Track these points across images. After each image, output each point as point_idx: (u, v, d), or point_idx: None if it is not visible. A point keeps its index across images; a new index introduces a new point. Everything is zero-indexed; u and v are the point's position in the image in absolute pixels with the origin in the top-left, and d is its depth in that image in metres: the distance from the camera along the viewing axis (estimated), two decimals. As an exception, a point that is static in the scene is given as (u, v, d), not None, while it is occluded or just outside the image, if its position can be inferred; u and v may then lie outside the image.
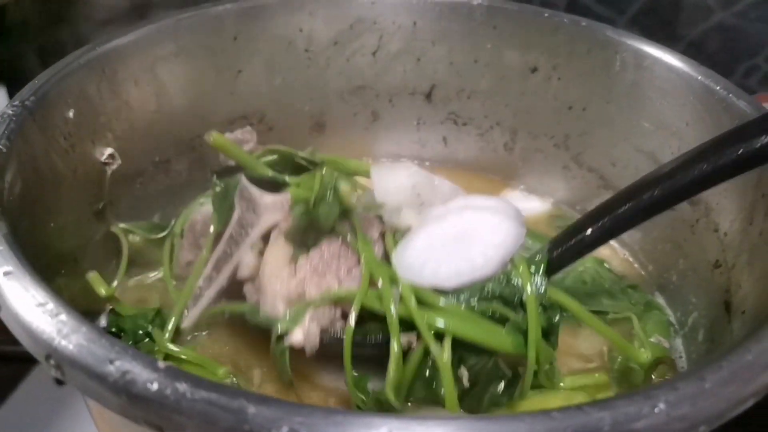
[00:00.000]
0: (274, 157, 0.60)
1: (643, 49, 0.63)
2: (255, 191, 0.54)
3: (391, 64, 0.79)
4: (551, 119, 0.75)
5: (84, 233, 0.56)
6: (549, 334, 0.49)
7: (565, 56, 0.70)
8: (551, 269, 0.50)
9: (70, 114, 0.53)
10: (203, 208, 0.62)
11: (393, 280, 0.48)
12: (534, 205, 0.80)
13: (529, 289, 0.48)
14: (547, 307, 0.49)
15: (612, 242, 0.73)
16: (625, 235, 0.71)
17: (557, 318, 0.49)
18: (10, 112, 0.46)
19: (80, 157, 0.55)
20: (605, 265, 0.69)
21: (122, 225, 0.61)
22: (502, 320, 0.48)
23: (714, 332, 0.54)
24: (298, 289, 0.50)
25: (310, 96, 0.79)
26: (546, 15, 0.70)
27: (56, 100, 0.51)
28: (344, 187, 0.54)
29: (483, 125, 0.81)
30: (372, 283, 0.49)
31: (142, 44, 0.61)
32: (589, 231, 0.49)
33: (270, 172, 0.57)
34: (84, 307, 0.54)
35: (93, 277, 0.55)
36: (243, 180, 0.55)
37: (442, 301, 0.47)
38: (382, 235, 0.54)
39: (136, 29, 0.61)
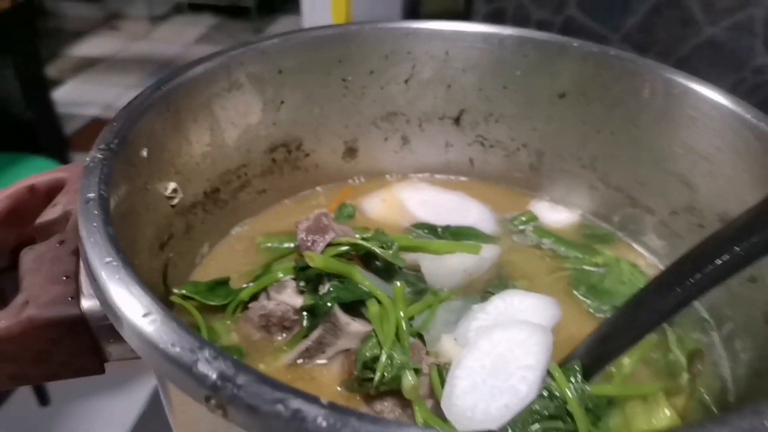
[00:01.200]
0: (346, 248, 0.64)
1: (672, 78, 0.67)
2: (343, 318, 0.59)
3: (422, 91, 0.82)
4: (578, 142, 0.79)
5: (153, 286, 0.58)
6: (597, 423, 0.54)
7: (594, 83, 0.74)
8: (587, 372, 0.54)
9: (144, 153, 0.55)
10: (282, 296, 0.63)
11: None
12: (562, 217, 0.84)
13: (569, 395, 0.52)
14: (594, 405, 0.53)
15: (638, 248, 0.78)
16: (651, 242, 0.76)
17: (602, 410, 0.54)
18: (100, 156, 0.48)
19: (152, 194, 0.57)
20: (639, 268, 0.74)
21: (179, 291, 0.62)
22: None
23: (758, 344, 0.58)
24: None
25: (345, 123, 0.82)
26: (575, 44, 0.74)
27: (133, 141, 0.53)
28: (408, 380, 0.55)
29: (510, 147, 0.85)
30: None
31: (201, 81, 0.63)
32: (616, 338, 0.54)
33: (363, 288, 0.61)
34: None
35: None
36: (336, 309, 0.59)
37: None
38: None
39: (192, 66, 0.63)
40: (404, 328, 0.58)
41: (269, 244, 0.75)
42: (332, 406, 0.30)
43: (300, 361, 0.61)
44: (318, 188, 0.86)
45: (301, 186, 0.84)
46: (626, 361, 0.60)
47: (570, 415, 0.52)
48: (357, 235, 0.68)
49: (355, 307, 0.62)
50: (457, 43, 0.78)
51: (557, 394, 0.53)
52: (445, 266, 0.68)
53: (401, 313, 0.59)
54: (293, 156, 0.80)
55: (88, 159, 0.47)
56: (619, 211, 0.79)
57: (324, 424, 0.29)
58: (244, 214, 0.78)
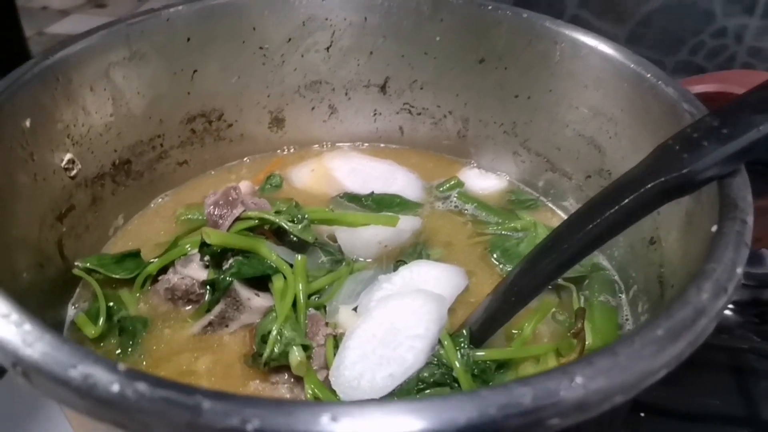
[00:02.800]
0: (255, 222, 0.64)
1: (580, 40, 0.66)
2: (244, 293, 0.59)
3: (344, 58, 0.81)
4: (499, 108, 0.78)
5: (46, 257, 0.58)
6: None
7: (509, 48, 0.73)
8: (476, 341, 0.55)
9: (27, 123, 0.54)
10: (188, 270, 0.62)
11: None
12: (491, 183, 0.83)
13: (457, 363, 0.53)
14: (480, 371, 0.54)
15: (560, 212, 0.78)
16: (571, 206, 0.76)
17: (492, 375, 0.55)
18: (-35, 126, 0.47)
19: (40, 165, 0.57)
20: None
21: (83, 263, 0.62)
22: None
23: (651, 305, 0.58)
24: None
25: (267, 93, 0.81)
26: (489, 8, 0.73)
27: (11, 112, 0.52)
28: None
29: (436, 114, 0.84)
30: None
31: (95, 51, 0.62)
32: (500, 308, 0.54)
33: (268, 263, 0.61)
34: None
35: (80, 319, 0.58)
36: (235, 284, 0.59)
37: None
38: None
39: (87, 36, 0.62)
40: (301, 301, 0.58)
41: (189, 216, 0.75)
42: (129, 373, 0.30)
43: (207, 332, 0.61)
44: (246, 159, 0.85)
45: (227, 157, 0.83)
46: (526, 324, 0.61)
47: (456, 380, 0.53)
48: (272, 209, 0.68)
49: (263, 282, 0.62)
50: (374, 9, 0.77)
51: (445, 361, 0.53)
52: (360, 238, 0.68)
53: (300, 287, 0.59)
54: (215, 126, 0.79)
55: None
56: (541, 177, 0.79)
57: (116, 389, 0.29)
58: (164, 186, 0.77)
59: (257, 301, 0.60)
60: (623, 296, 0.65)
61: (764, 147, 0.44)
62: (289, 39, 0.78)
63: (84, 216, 0.65)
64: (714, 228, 0.41)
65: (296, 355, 0.54)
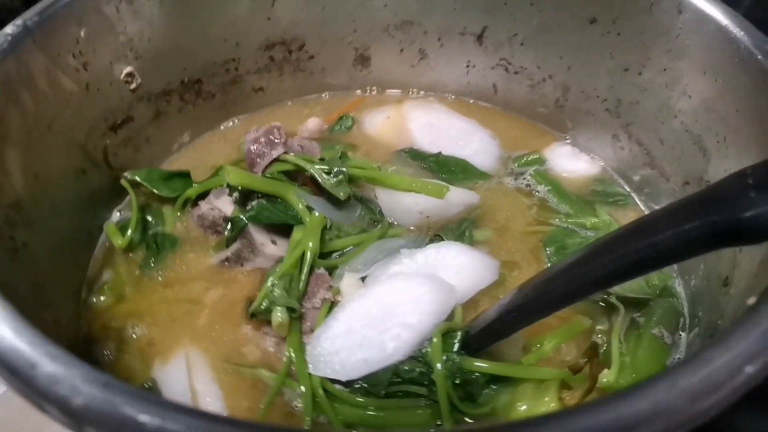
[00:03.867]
0: (290, 167, 0.61)
1: (707, 13, 0.52)
2: (258, 238, 0.58)
3: (440, -1, 0.73)
4: (605, 80, 0.66)
5: (91, 164, 0.60)
6: (472, 399, 0.48)
7: (626, 9, 0.60)
8: (473, 346, 0.49)
9: (82, 33, 0.56)
10: (219, 202, 0.62)
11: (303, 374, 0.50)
12: (581, 166, 0.73)
13: (438, 366, 0.47)
14: (464, 381, 0.48)
15: (646, 212, 0.66)
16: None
17: (478, 387, 0.49)
18: (9, 31, 0.49)
19: (95, 75, 0.58)
20: None
21: (131, 175, 0.64)
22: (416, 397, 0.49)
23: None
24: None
25: (353, 28, 0.76)
26: (611, -43, 0.60)
27: (64, 20, 0.54)
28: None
29: (535, 76, 0.74)
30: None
31: (166, -35, 0.62)
32: (501, 320, 0.47)
33: (292, 212, 0.60)
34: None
35: (110, 228, 0.61)
36: (250, 227, 0.59)
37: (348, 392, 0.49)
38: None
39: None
40: (308, 259, 0.55)
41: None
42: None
43: (224, 266, 0.61)
44: (324, 94, 0.82)
45: (306, 89, 0.81)
46: (548, 340, 0.53)
47: (435, 384, 0.48)
48: (317, 156, 0.65)
49: (289, 229, 0.60)
50: (479, -57, 0.67)
51: (428, 360, 0.48)
52: (401, 203, 0.63)
53: (309, 244, 0.56)
54: (294, 56, 0.77)
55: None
56: (638, 171, 0.66)
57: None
58: (237, 110, 0.77)
59: (271, 248, 0.59)
60: (683, 335, 0.54)
61: None
62: (382, -30, 0.71)
63: (145, 129, 0.67)
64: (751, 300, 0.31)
65: (278, 316, 0.52)
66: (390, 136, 0.77)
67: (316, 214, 0.58)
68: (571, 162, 0.73)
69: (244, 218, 0.58)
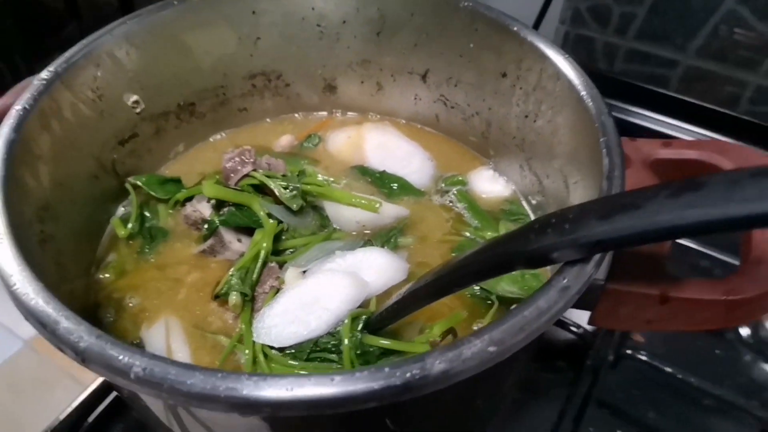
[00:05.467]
0: (256, 181, 0.78)
1: (572, 82, 0.68)
2: (226, 237, 0.76)
3: (391, 46, 0.89)
4: (514, 122, 0.82)
5: (102, 171, 0.78)
6: (368, 365, 0.63)
7: (524, 70, 0.76)
8: (374, 326, 0.66)
9: (99, 73, 0.73)
10: (200, 206, 0.80)
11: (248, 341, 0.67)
12: (497, 188, 0.89)
13: (345, 341, 0.64)
14: (363, 352, 0.64)
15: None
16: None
17: (374, 356, 0.65)
18: (44, 76, 0.67)
19: (108, 103, 0.76)
20: None
21: (134, 180, 0.82)
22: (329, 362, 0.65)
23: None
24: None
25: (322, 63, 0.93)
26: (515, 28, 0.75)
27: (85, 64, 0.71)
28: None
29: (466, 112, 0.90)
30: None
31: (167, 18, 0.78)
32: (397, 305, 0.63)
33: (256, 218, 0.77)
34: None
35: (115, 222, 0.79)
36: (221, 228, 0.76)
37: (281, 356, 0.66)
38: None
39: (161, 8, 0.78)
40: (261, 257, 0.73)
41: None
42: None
43: (203, 255, 0.79)
44: (297, 114, 0.99)
45: (282, 110, 0.98)
46: (437, 326, 0.70)
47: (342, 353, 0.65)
48: (287, 169, 0.82)
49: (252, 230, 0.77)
50: (421, 8, 0.83)
51: (340, 336, 0.65)
52: (342, 214, 0.80)
53: (263, 245, 0.73)
54: (273, 84, 0.94)
55: (36, 78, 0.66)
56: (535, 197, 0.82)
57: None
58: (223, 126, 0.95)
59: (237, 245, 0.76)
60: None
61: (599, 248, 0.48)
62: (344, 21, 0.87)
63: (147, 142, 0.85)
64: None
65: (233, 298, 0.70)
66: (348, 153, 0.94)
67: (272, 221, 0.75)
68: (489, 184, 0.89)
69: (217, 221, 0.76)
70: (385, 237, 0.80)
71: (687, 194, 0.44)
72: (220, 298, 0.72)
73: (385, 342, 0.66)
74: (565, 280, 0.48)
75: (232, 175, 0.79)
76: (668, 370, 0.92)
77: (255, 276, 0.72)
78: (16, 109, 0.63)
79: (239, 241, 0.77)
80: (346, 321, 0.66)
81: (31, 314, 0.47)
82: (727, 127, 1.29)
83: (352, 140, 0.95)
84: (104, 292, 0.75)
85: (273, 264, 0.74)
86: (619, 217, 0.45)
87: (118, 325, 0.71)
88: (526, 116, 0.79)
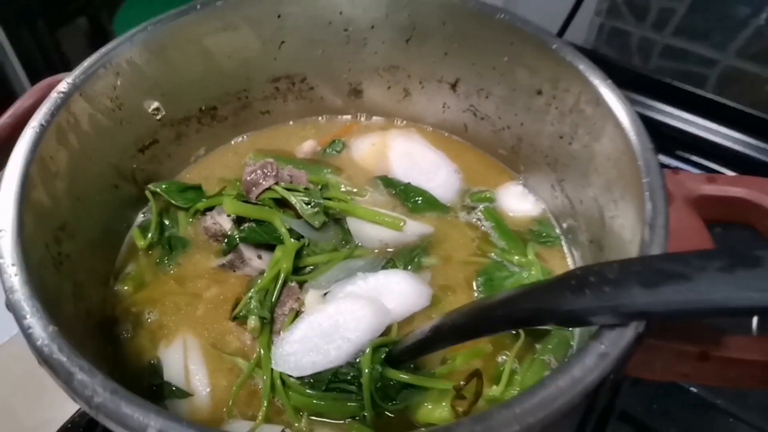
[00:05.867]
0: (278, 195, 0.76)
1: (614, 113, 0.64)
2: (246, 254, 0.74)
3: (421, 53, 0.85)
4: (546, 141, 0.78)
5: (122, 180, 0.76)
6: (390, 398, 0.63)
7: (563, 90, 0.72)
8: (396, 358, 0.64)
9: (118, 82, 0.71)
10: (220, 218, 0.78)
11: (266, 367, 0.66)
12: (526, 207, 0.86)
13: (366, 370, 0.62)
14: (383, 386, 0.63)
15: (569, 259, 0.79)
16: (578, 257, 0.77)
17: (395, 390, 0.64)
18: (62, 89, 0.64)
19: (127, 112, 0.73)
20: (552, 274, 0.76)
21: (153, 187, 0.80)
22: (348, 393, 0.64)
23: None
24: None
25: (348, 67, 0.89)
26: (554, 46, 0.71)
27: (104, 74, 0.68)
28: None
29: (497, 124, 0.86)
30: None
31: (189, 24, 0.75)
32: (422, 344, 0.61)
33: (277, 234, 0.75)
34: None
35: (135, 232, 0.78)
36: (240, 245, 0.75)
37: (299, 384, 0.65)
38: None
39: (184, 13, 0.74)
40: (281, 278, 0.71)
41: (254, 162, 0.89)
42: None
43: (222, 269, 0.77)
44: (321, 118, 0.96)
45: (306, 112, 0.95)
46: (459, 357, 0.68)
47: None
48: (304, 186, 0.79)
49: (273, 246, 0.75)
50: (453, 16, 0.79)
51: (360, 367, 0.64)
52: (365, 231, 0.78)
53: (284, 265, 0.71)
54: (297, 87, 0.90)
55: (53, 92, 0.64)
56: (567, 220, 0.79)
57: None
58: (245, 129, 0.92)
59: (257, 262, 0.75)
60: (567, 364, 0.68)
61: (641, 318, 0.46)
62: (372, 26, 0.83)
63: (167, 147, 0.83)
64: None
65: (251, 323, 0.68)
66: (372, 162, 0.91)
67: (293, 241, 0.73)
68: (518, 202, 0.86)
69: (237, 238, 0.74)
70: (408, 256, 0.77)
71: (741, 271, 0.41)
72: (239, 319, 0.70)
73: (405, 377, 0.64)
74: (603, 346, 0.46)
75: (253, 188, 0.77)
76: (693, 389, 0.90)
77: (274, 298, 0.70)
78: (32, 126, 0.61)
79: (259, 257, 0.75)
80: (367, 351, 0.64)
81: (45, 362, 0.45)
82: (762, 130, 1.23)
83: (377, 148, 0.92)
84: (122, 305, 0.74)
85: (293, 284, 0.72)
86: (665, 289, 0.42)
87: (135, 342, 0.71)
88: (561, 137, 0.75)
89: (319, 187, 0.79)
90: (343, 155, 0.92)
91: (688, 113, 1.33)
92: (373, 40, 0.85)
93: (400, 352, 0.64)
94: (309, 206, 0.75)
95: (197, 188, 0.83)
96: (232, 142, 0.92)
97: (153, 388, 0.66)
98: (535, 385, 0.45)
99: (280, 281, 0.71)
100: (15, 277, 0.50)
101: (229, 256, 0.76)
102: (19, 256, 0.52)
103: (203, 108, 0.85)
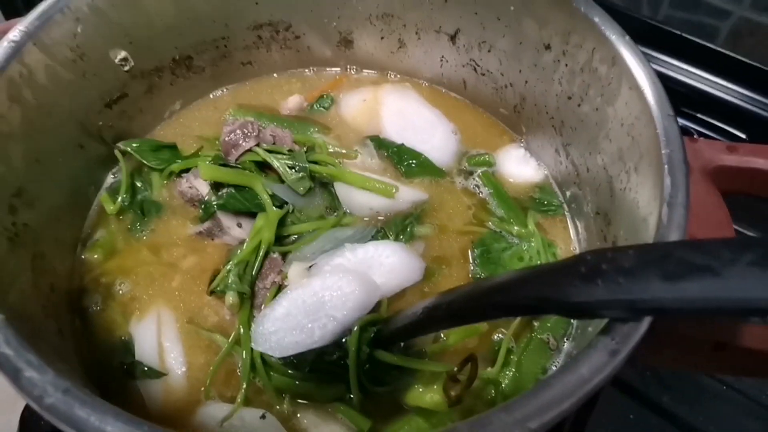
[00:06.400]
0: (258, 158, 0.70)
1: (634, 73, 0.57)
2: (225, 222, 0.69)
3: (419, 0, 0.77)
4: (553, 101, 0.72)
5: (87, 139, 0.69)
6: (378, 380, 0.60)
7: (573, 44, 0.65)
8: (385, 339, 0.59)
9: (78, 29, 0.63)
10: (197, 182, 0.71)
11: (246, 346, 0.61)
12: (528, 172, 0.80)
13: (352, 348, 0.57)
14: (373, 367, 0.59)
15: (571, 230, 0.74)
16: (580, 228, 0.72)
17: (383, 371, 0.60)
18: (12, 37, 0.57)
19: (91, 63, 0.66)
20: (554, 250, 0.72)
21: (124, 146, 0.73)
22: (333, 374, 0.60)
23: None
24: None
25: (337, 14, 0.81)
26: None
27: (62, 20, 0.61)
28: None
29: (499, 81, 0.79)
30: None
31: (159, -38, 0.67)
32: (413, 326, 0.55)
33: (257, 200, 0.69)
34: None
35: (103, 198, 0.72)
36: (218, 213, 0.69)
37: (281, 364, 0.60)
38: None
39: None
40: (262, 251, 0.65)
41: (234, 118, 0.82)
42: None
43: (200, 236, 0.72)
44: (307, 70, 0.88)
45: (292, 64, 0.87)
46: (453, 335, 0.63)
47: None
48: (288, 147, 0.73)
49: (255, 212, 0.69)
50: (455, -43, 0.71)
51: (346, 348, 0.59)
52: (354, 198, 0.72)
53: (266, 234, 0.66)
54: (282, 36, 0.83)
55: (4, 40, 0.56)
56: (570, 187, 0.74)
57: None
58: (226, 81, 0.84)
59: (237, 231, 0.69)
60: (566, 342, 0.64)
61: (658, 314, 0.41)
62: (365, -32, 0.75)
63: (137, 101, 0.75)
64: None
65: (230, 298, 0.63)
66: (362, 120, 0.84)
67: (275, 209, 0.67)
68: (519, 166, 0.80)
69: (215, 205, 0.68)
70: (400, 225, 0.72)
71: (778, 266, 0.36)
72: (216, 293, 0.65)
73: (395, 359, 0.60)
74: (613, 342, 0.41)
75: (233, 150, 0.70)
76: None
77: (255, 271, 0.65)
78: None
79: (239, 225, 0.69)
80: (354, 330, 0.60)
81: (-10, 355, 0.40)
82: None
83: (368, 104, 0.85)
84: (91, 275, 0.68)
85: (276, 255, 0.67)
86: (689, 284, 0.37)
87: (105, 315, 0.65)
88: (569, 98, 0.69)
89: (305, 148, 0.73)
90: (331, 112, 0.85)
91: (696, 68, 1.26)
92: (365, -16, 0.77)
93: (390, 333, 0.59)
94: (293, 170, 0.69)
95: (172, 147, 0.76)
96: (211, 96, 0.85)
97: (124, 366, 0.61)
98: (538, 385, 0.41)
99: (261, 252, 0.66)
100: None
101: (207, 224, 0.70)
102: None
103: (177, 58, 0.77)
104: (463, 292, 0.52)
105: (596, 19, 0.62)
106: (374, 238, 0.70)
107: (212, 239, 0.70)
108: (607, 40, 0.60)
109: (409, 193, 0.73)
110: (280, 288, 0.65)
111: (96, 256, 0.70)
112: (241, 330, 0.63)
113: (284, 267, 0.67)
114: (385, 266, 0.66)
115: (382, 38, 0.84)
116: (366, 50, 0.86)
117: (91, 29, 0.64)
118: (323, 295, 0.62)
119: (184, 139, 0.79)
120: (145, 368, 0.61)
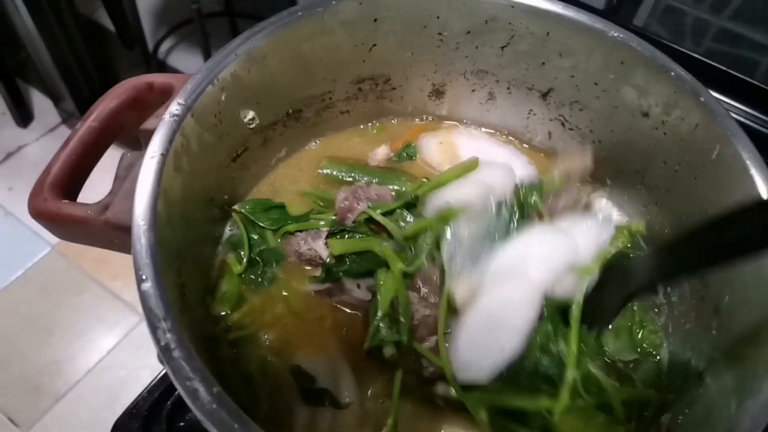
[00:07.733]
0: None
1: (747, 166, 0.63)
2: (348, 285, 0.73)
3: (516, 60, 0.82)
4: (645, 163, 0.77)
5: (217, 192, 0.74)
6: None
7: (675, 116, 0.71)
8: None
9: (223, 97, 0.67)
10: (315, 244, 0.75)
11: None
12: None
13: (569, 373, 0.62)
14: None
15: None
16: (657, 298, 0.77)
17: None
18: (176, 111, 0.61)
19: (227, 125, 0.70)
20: None
21: (239, 208, 0.78)
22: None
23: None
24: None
25: (434, 69, 0.86)
26: (672, 74, 0.69)
27: (212, 91, 0.65)
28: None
29: (587, 137, 0.85)
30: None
31: (291, 31, 0.71)
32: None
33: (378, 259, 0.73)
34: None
35: (231, 259, 0.75)
36: (344, 279, 0.74)
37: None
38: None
39: (284, 19, 0.70)
40: (403, 295, 0.69)
41: (328, 171, 0.85)
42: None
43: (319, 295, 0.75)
44: (394, 120, 0.93)
45: (383, 113, 0.92)
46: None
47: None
48: (389, 201, 0.77)
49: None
50: (560, 27, 0.76)
51: (550, 348, 0.63)
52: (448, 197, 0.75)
53: (399, 289, 0.69)
54: (380, 88, 0.87)
55: (167, 114, 0.61)
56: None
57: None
58: (323, 130, 0.89)
59: (357, 292, 0.73)
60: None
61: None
62: (468, 32, 0.80)
63: (254, 153, 0.80)
64: None
65: (389, 352, 0.67)
66: (444, 162, 0.88)
67: (399, 266, 0.71)
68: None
69: (339, 272, 0.73)
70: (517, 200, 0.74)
71: None
72: (373, 353, 0.69)
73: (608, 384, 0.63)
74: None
75: (348, 214, 0.75)
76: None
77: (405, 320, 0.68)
78: (151, 156, 0.58)
79: (358, 287, 0.74)
80: (571, 342, 0.62)
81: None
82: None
83: (445, 147, 0.89)
84: (221, 325, 0.73)
85: (428, 266, 0.70)
86: None
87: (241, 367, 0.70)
88: (665, 162, 0.74)
89: (404, 204, 0.77)
90: (417, 161, 0.90)
91: (735, 101, 1.32)
92: (466, 45, 0.82)
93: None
94: (402, 228, 0.75)
95: (281, 207, 0.80)
96: (306, 148, 0.89)
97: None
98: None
99: (404, 297, 0.69)
100: (167, 335, 0.49)
101: (327, 285, 0.74)
102: (162, 307, 0.51)
103: (290, 111, 0.81)
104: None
105: (701, 98, 0.68)
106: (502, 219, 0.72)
107: (330, 298, 0.75)
108: (717, 119, 0.66)
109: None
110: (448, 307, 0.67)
111: (228, 309, 0.73)
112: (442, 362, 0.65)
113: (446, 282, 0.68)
114: (539, 257, 0.67)
115: (473, 91, 0.89)
116: (455, 100, 0.91)
117: (230, 95, 0.69)
118: (494, 311, 0.65)
119: (284, 193, 0.84)
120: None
